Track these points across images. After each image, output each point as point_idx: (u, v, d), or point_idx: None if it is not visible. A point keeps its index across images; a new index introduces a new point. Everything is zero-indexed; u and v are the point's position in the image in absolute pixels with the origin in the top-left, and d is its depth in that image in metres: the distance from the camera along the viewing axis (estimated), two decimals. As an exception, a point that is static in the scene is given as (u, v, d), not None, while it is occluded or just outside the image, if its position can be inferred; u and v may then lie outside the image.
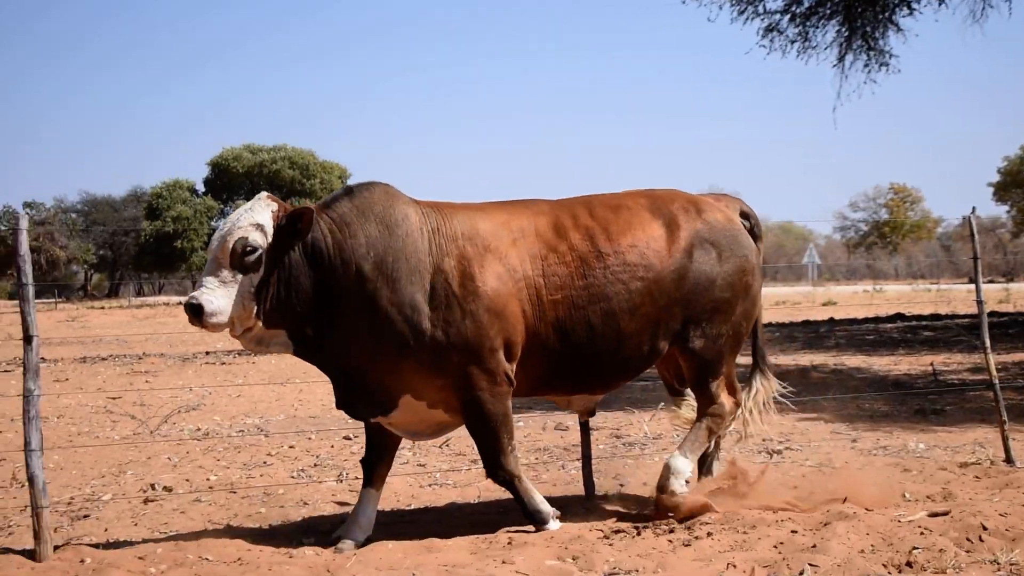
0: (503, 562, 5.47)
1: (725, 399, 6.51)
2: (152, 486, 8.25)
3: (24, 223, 6.13)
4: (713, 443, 6.73)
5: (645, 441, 9.86)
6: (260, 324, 5.83)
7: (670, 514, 6.15)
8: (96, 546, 6.20)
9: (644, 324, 6.17)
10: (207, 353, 22.04)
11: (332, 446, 10.15)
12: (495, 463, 6.04)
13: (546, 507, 6.07)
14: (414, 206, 6.07)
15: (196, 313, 5.63)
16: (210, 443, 10.40)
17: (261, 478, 8.60)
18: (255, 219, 5.77)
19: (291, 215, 5.78)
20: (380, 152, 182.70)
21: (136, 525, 6.96)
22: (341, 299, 5.84)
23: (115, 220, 74.46)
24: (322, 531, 6.44)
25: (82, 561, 5.73)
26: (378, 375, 5.91)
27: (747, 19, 22.99)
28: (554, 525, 6.03)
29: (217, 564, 5.67)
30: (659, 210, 6.38)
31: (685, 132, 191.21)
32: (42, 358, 6.10)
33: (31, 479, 5.93)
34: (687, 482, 6.23)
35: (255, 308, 5.76)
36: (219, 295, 5.67)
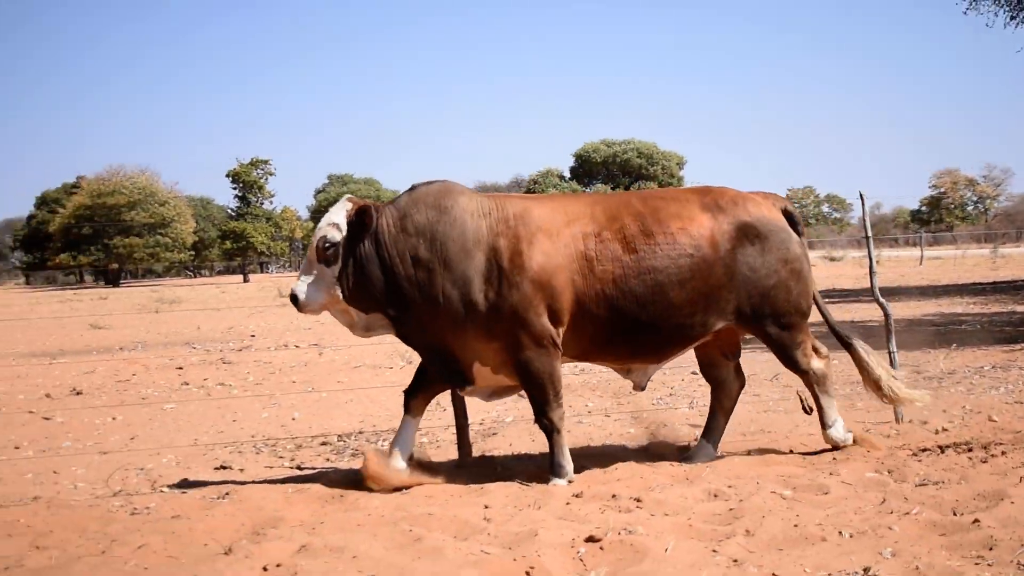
0: (830, 473, 6.28)
1: (814, 362, 7.03)
2: (545, 410, 9.65)
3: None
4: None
5: (942, 376, 10.50)
6: (353, 308, 6.60)
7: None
8: (503, 457, 7.58)
9: (694, 297, 6.63)
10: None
11: (682, 379, 11.38)
12: (541, 412, 6.62)
13: (569, 465, 6.57)
14: (470, 196, 6.64)
15: (294, 302, 6.57)
16: (586, 377, 11.91)
17: (628, 405, 9.94)
18: (332, 219, 6.53)
19: (357, 211, 6.48)
20: (712, 143, 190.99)
21: (533, 442, 8.27)
22: (405, 281, 6.46)
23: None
24: (678, 447, 7.53)
25: (494, 468, 7.06)
26: (448, 347, 6.56)
27: (1018, 24, 26.32)
28: (563, 483, 6.47)
29: (596, 471, 6.79)
30: (707, 204, 6.84)
31: (964, 118, 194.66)
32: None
33: (455, 403, 7.36)
34: (846, 432, 7.04)
35: (339, 293, 6.52)
36: (309, 286, 6.53)
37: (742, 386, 7.47)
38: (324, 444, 8.65)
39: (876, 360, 7.29)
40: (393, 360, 14.10)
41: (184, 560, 5.09)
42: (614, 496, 5.93)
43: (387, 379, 12.48)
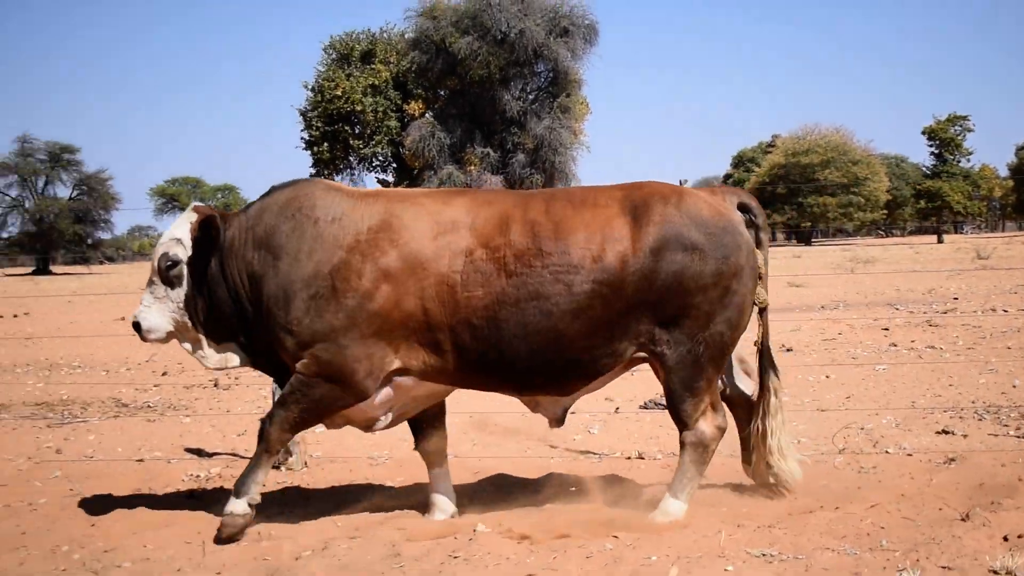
0: None
1: (705, 424, 5.67)
2: None
3: None
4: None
5: None
6: (205, 338, 5.82)
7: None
8: None
9: (594, 327, 5.48)
10: None
11: None
12: (271, 420, 5.62)
13: (255, 490, 5.61)
14: (326, 195, 5.69)
15: (137, 330, 5.76)
16: None
17: None
18: (175, 233, 5.72)
19: (199, 223, 5.68)
20: None
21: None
22: (247, 303, 5.68)
23: None
24: None
25: None
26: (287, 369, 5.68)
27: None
28: (239, 507, 5.55)
29: None
30: (631, 205, 5.63)
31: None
32: None
33: None
34: (678, 516, 5.58)
35: (189, 321, 5.77)
36: (153, 312, 5.74)
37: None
38: (1050, 415, 8.20)
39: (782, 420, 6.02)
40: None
41: (919, 522, 5.20)
42: None
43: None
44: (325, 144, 45.84)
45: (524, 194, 5.89)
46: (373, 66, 45.77)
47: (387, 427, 5.95)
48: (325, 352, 5.45)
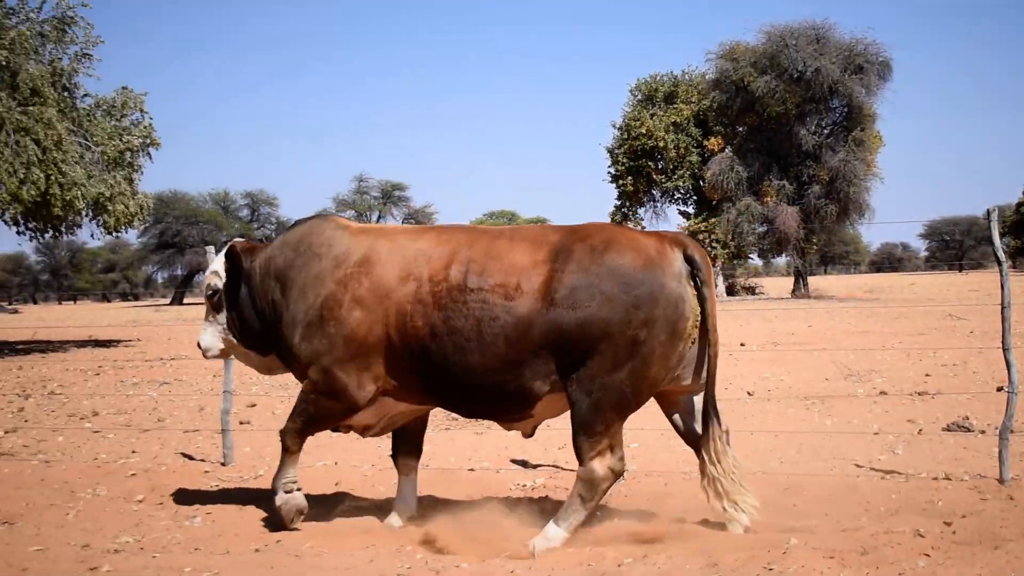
0: None
1: (597, 464, 5.44)
2: None
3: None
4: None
5: None
6: (250, 352, 6.34)
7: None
8: None
9: (499, 363, 5.41)
10: None
11: None
12: (287, 427, 6.03)
13: (285, 481, 6.00)
14: (333, 232, 6.01)
15: (199, 348, 6.37)
16: None
17: None
18: (214, 267, 6.30)
19: (224, 254, 6.18)
20: None
21: None
22: (272, 324, 6.08)
23: None
24: None
25: None
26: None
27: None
28: (280, 498, 6.00)
29: None
30: (560, 248, 5.47)
31: None
32: None
33: None
34: (553, 544, 5.46)
35: (233, 338, 6.28)
36: (208, 333, 6.34)
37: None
38: None
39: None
40: None
41: None
42: None
43: None
44: (629, 178, 46.09)
45: (482, 231, 5.88)
46: (676, 105, 45.69)
47: (378, 434, 6.28)
48: (316, 373, 5.84)
